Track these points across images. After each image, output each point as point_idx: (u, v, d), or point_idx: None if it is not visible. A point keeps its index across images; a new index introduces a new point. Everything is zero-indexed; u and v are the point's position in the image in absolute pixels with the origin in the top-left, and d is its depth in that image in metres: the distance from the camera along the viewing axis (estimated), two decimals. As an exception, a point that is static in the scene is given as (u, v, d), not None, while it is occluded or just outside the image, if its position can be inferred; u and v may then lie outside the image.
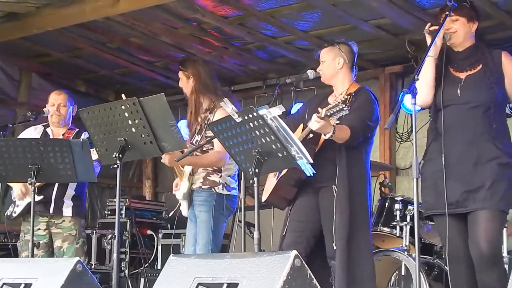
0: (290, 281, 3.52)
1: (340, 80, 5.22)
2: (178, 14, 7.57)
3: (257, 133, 4.22)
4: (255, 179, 4.29)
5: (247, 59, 8.85)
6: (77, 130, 6.39)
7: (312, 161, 4.24)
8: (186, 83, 5.91)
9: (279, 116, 4.10)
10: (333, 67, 5.23)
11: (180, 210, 5.92)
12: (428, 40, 4.71)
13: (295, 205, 5.17)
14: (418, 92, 4.49)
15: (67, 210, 6.24)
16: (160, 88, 9.58)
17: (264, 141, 4.23)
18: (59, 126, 6.42)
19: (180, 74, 5.95)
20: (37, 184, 5.99)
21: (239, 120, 4.25)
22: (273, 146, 4.22)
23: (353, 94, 4.74)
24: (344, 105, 4.53)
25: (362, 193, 5.06)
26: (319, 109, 4.64)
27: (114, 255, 4.89)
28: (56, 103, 6.41)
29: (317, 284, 3.66)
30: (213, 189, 5.70)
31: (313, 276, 3.65)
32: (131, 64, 9.26)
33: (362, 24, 7.49)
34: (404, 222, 6.39)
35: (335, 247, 4.92)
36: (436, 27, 4.66)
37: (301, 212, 5.13)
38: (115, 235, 4.92)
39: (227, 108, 4.29)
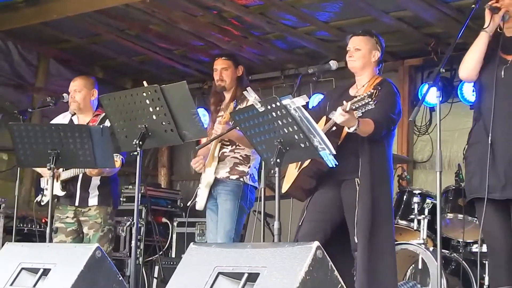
0: (312, 272, 3.50)
1: (367, 72, 5.18)
2: (198, 2, 7.54)
3: (280, 123, 4.19)
4: (277, 169, 4.27)
5: (266, 49, 8.81)
6: (102, 115, 6.32)
7: (335, 152, 4.21)
8: (233, 73, 6.01)
9: (302, 106, 4.08)
10: (368, 59, 5.17)
11: (195, 202, 5.90)
12: (487, 15, 4.64)
13: (315, 196, 5.13)
14: (465, 64, 4.58)
15: (93, 200, 6.23)
16: (178, 76, 9.57)
17: (286, 131, 4.20)
18: (83, 113, 6.36)
19: (228, 63, 6.04)
20: (62, 177, 6.05)
21: (261, 109, 4.22)
22: (296, 137, 4.19)
23: (379, 88, 4.68)
24: (370, 99, 4.50)
25: (385, 186, 5.02)
26: (344, 102, 4.60)
27: (133, 243, 4.88)
28: (72, 90, 6.37)
29: (338, 276, 3.64)
30: (241, 179, 5.79)
31: (334, 268, 3.63)
32: (149, 51, 9.23)
33: (383, 16, 7.44)
34: (422, 216, 6.39)
35: (356, 240, 4.89)
36: (498, 5, 4.60)
37: (320, 204, 5.10)
38: (134, 223, 4.90)
39: (250, 97, 4.27)
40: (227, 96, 6.02)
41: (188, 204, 6.16)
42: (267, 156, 4.43)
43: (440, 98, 4.40)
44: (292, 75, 9.42)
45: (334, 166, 4.38)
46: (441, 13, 7.20)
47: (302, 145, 4.21)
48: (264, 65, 9.43)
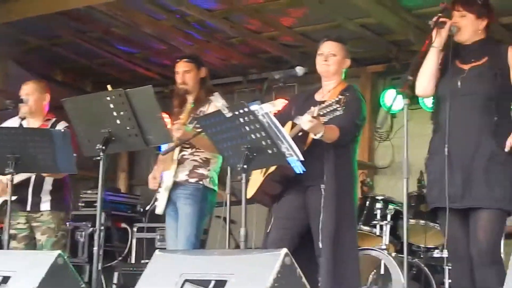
0: (280, 279, 3.47)
1: (336, 79, 5.18)
2: (162, 6, 7.50)
3: (247, 129, 4.16)
4: (243, 175, 4.24)
5: (229, 54, 8.80)
6: (53, 120, 6.22)
7: (302, 159, 4.19)
8: (195, 76, 5.89)
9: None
10: (341, 66, 5.17)
11: (155, 206, 5.83)
12: (434, 31, 4.62)
13: (281, 203, 5.11)
14: (419, 81, 4.60)
15: (45, 205, 6.11)
16: (140, 80, 9.51)
17: (254, 137, 4.17)
18: (34, 117, 6.22)
19: (190, 66, 5.91)
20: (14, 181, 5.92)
21: (229, 115, 4.19)
22: (263, 143, 4.16)
23: (347, 94, 4.66)
24: (338, 105, 4.47)
25: (350, 193, 5.02)
26: (312, 107, 4.59)
27: (95, 249, 4.81)
28: (23, 94, 6.24)
29: (306, 283, 3.62)
30: (201, 182, 5.67)
31: (302, 275, 3.61)
32: (110, 54, 9.17)
33: (347, 23, 7.46)
34: (385, 221, 6.41)
35: (321, 246, 4.88)
36: (445, 19, 4.60)
37: (287, 210, 5.07)
38: (96, 228, 4.83)
39: (217, 103, 4.24)
40: (190, 98, 5.92)
41: (147, 209, 6.08)
42: (234, 162, 4.39)
43: (409, 104, 4.37)
44: (255, 80, 9.42)
45: (302, 172, 4.37)
46: (404, 20, 7.24)
47: (270, 151, 4.18)
48: (226, 69, 9.41)
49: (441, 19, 4.61)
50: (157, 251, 4.01)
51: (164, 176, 5.78)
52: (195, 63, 5.94)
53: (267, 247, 5.00)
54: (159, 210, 5.79)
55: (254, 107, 4.06)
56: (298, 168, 4.29)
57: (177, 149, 5.71)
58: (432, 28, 4.60)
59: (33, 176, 6.03)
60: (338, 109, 4.49)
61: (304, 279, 3.61)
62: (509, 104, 4.68)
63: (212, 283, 3.63)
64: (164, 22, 7.97)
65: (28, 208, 6.10)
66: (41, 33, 8.61)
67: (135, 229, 8.98)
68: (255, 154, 4.22)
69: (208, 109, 5.68)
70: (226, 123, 4.26)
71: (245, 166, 4.22)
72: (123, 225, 9.25)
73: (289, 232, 5.04)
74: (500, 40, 5.16)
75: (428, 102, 8.06)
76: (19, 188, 6.02)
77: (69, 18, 7.98)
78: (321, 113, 4.53)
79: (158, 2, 7.39)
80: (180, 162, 5.74)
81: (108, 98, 4.77)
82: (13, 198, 5.91)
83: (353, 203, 5.06)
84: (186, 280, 3.73)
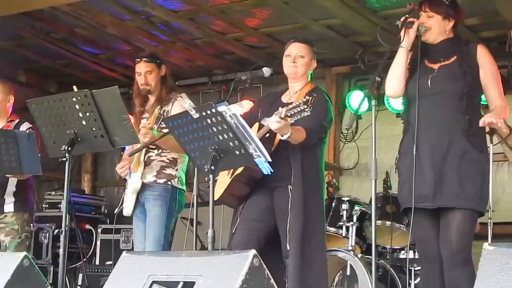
0: (249, 281, 3.45)
1: (303, 80, 5.18)
2: (127, 7, 7.45)
3: (214, 130, 4.15)
4: (211, 176, 4.23)
5: (194, 55, 8.76)
6: (16, 121, 6.16)
7: (270, 160, 4.19)
8: (156, 74, 5.83)
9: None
10: (308, 67, 5.19)
11: (122, 209, 5.79)
12: (402, 31, 4.64)
13: (247, 204, 5.10)
14: (389, 82, 4.59)
15: (9, 207, 6.05)
16: (104, 81, 9.44)
17: (221, 138, 4.16)
18: None
19: (151, 66, 5.83)
20: None
21: (196, 116, 4.18)
22: (231, 144, 4.16)
23: (314, 95, 4.66)
24: (305, 106, 4.46)
25: (317, 194, 5.02)
26: (279, 108, 4.58)
27: (61, 250, 4.77)
28: None
29: (274, 284, 3.61)
30: (169, 183, 5.64)
31: (270, 276, 3.60)
32: (74, 55, 9.08)
33: (312, 24, 7.47)
34: (351, 223, 6.43)
35: (288, 247, 4.87)
36: (412, 19, 4.61)
37: (253, 211, 5.07)
38: (62, 230, 4.80)
39: (184, 104, 4.23)
40: (152, 97, 5.87)
41: (115, 212, 6.03)
42: (201, 163, 4.38)
43: (376, 105, 4.38)
44: (220, 81, 9.41)
45: (270, 173, 4.37)
46: (370, 22, 7.27)
47: (237, 152, 4.18)
48: (191, 70, 9.39)
49: (409, 19, 4.63)
50: (124, 253, 3.97)
51: (131, 178, 5.73)
52: (156, 62, 5.86)
53: (232, 248, 4.99)
54: (126, 212, 5.74)
55: (221, 108, 4.05)
56: (266, 169, 4.28)
57: (143, 151, 5.67)
58: (400, 28, 4.60)
59: None
60: (306, 109, 4.49)
61: (272, 281, 3.60)
62: (478, 102, 4.71)
63: (180, 284, 3.61)
64: (129, 23, 7.92)
65: None
66: (4, 34, 8.50)
67: (99, 231, 8.95)
68: (222, 155, 4.22)
69: (172, 108, 5.65)
70: (193, 124, 4.25)
71: (212, 167, 4.21)
72: (88, 226, 9.21)
73: (254, 233, 5.03)
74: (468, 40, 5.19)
75: (394, 104, 8.13)
76: None
77: (32, 19, 7.89)
78: (289, 114, 4.53)
79: (123, 3, 7.33)
80: (147, 163, 5.70)
81: (74, 99, 4.74)
82: None
83: (321, 204, 5.08)
84: (153, 282, 3.70)
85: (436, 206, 4.56)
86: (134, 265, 3.87)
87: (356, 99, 8.21)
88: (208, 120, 4.14)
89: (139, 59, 5.89)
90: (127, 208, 5.72)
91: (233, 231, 5.07)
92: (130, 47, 8.69)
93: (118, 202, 10.54)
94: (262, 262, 3.56)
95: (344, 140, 8.80)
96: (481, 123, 4.43)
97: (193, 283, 3.56)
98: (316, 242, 4.96)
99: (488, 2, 6.61)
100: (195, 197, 4.86)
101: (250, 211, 5.09)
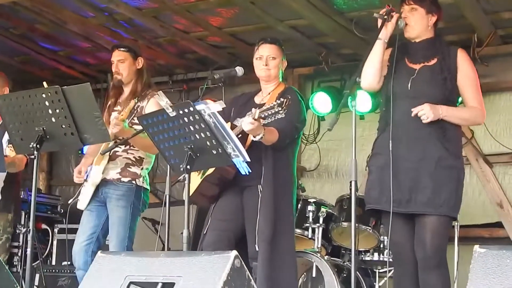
0: (230, 282, 3.42)
1: (275, 81, 5.14)
2: (90, 3, 7.33)
3: (191, 128, 4.11)
4: (186, 176, 4.17)
5: (156, 53, 8.66)
6: None
7: (249, 159, 4.15)
8: (131, 66, 5.73)
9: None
10: (280, 68, 5.15)
11: (77, 201, 5.64)
12: (379, 23, 4.62)
13: (218, 204, 5.05)
14: (365, 74, 4.56)
15: None
16: (62, 79, 9.30)
17: (198, 137, 4.12)
18: None
19: (125, 55, 5.74)
20: None
21: (173, 114, 4.12)
22: (208, 143, 4.11)
23: (289, 96, 4.60)
24: (280, 108, 4.39)
25: (288, 195, 5.00)
26: (253, 109, 4.53)
27: (28, 250, 4.68)
28: None
29: (255, 285, 3.58)
30: (133, 182, 5.51)
31: (251, 277, 3.57)
32: (33, 51, 8.90)
33: (277, 24, 7.43)
34: (317, 224, 6.40)
35: (257, 249, 4.82)
36: (392, 13, 4.60)
37: (223, 211, 5.02)
38: (29, 229, 4.70)
39: (161, 101, 4.15)
40: (126, 90, 5.77)
41: (69, 202, 5.80)
42: (175, 162, 4.33)
43: (355, 107, 4.35)
44: (181, 80, 9.33)
45: (247, 173, 4.33)
46: (336, 23, 7.25)
47: (214, 152, 4.13)
48: (152, 69, 9.24)
49: (392, 13, 4.61)
50: (99, 253, 3.90)
51: (92, 171, 5.59)
52: (131, 52, 5.77)
53: (203, 249, 4.93)
54: (81, 205, 5.59)
55: (200, 106, 4.00)
56: (244, 169, 4.24)
57: (110, 144, 5.51)
58: (383, 20, 4.58)
59: None
60: (280, 112, 4.42)
61: (253, 282, 3.57)
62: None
63: (159, 285, 3.56)
64: (91, 20, 7.78)
65: None
66: (-39, 28, 8.33)
67: (56, 230, 8.79)
68: (198, 154, 4.17)
69: (147, 105, 5.55)
70: (169, 123, 4.20)
71: (188, 167, 4.16)
72: (44, 226, 9.04)
73: (225, 233, 4.98)
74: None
75: (357, 106, 8.12)
76: None
77: (-9, 14, 7.73)
78: (262, 116, 4.46)
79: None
80: (112, 158, 5.57)
81: (44, 95, 4.65)
82: None
83: (291, 205, 5.05)
84: (131, 283, 3.64)
85: (412, 212, 4.56)
86: (110, 265, 3.81)
87: (320, 100, 8.18)
88: (185, 119, 4.09)
89: (114, 48, 5.82)
90: (82, 201, 5.58)
91: (205, 232, 5.02)
92: (90, 45, 8.57)
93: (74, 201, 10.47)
94: (243, 263, 3.53)
95: (306, 142, 8.78)
96: (413, 114, 4.47)
97: (173, 284, 3.51)
98: (285, 244, 4.93)
99: (452, 6, 6.64)
100: (167, 196, 4.76)
101: (221, 212, 5.04)
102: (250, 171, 4.39)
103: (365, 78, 4.66)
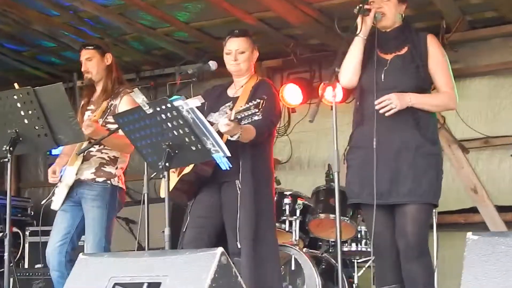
0: (218, 280, 3.37)
1: (247, 74, 5.08)
2: (55, 2, 7.23)
3: (169, 125, 4.05)
4: (165, 173, 4.11)
5: (122, 51, 8.56)
6: None
7: (229, 154, 4.09)
8: (99, 63, 5.66)
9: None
10: (251, 60, 5.09)
11: (51, 201, 5.55)
12: (359, 19, 4.57)
13: (196, 201, 4.99)
14: (344, 72, 4.51)
15: None
16: (26, 80, 9.16)
17: (176, 134, 4.06)
18: None
19: (93, 53, 5.67)
20: None
21: (149, 111, 4.06)
22: (187, 139, 4.06)
23: (264, 97, 4.52)
24: (257, 110, 4.31)
25: (267, 189, 4.94)
26: (228, 111, 4.47)
27: (6, 255, 4.60)
28: None
29: (242, 282, 3.53)
30: (108, 182, 5.44)
31: (238, 274, 3.52)
32: (-4, 53, 8.79)
33: (245, 17, 7.38)
34: (294, 217, 6.36)
35: (239, 246, 4.76)
36: (368, 6, 4.56)
37: (202, 208, 4.96)
38: (6, 233, 4.62)
39: (137, 99, 4.09)
40: (98, 88, 5.68)
41: (42, 203, 5.70)
42: (153, 160, 4.28)
43: (335, 97, 4.30)
44: (148, 77, 9.24)
45: (228, 168, 4.27)
46: (304, 14, 7.22)
47: (193, 148, 4.08)
48: (119, 66, 9.15)
49: (366, 6, 4.58)
50: (80, 255, 3.83)
51: (65, 171, 5.50)
52: (97, 49, 5.69)
53: (183, 247, 4.87)
54: (55, 206, 5.50)
55: (178, 102, 3.94)
56: (225, 165, 4.19)
57: (84, 144, 5.43)
58: (357, 16, 4.55)
59: None
60: (257, 113, 4.33)
61: (240, 278, 3.52)
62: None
63: (145, 285, 3.49)
64: (56, 18, 7.69)
65: None
66: None
67: (27, 233, 8.67)
68: (177, 151, 4.12)
69: (120, 103, 5.48)
70: (145, 120, 4.15)
71: (166, 164, 4.10)
72: (14, 229, 8.90)
73: (205, 230, 4.92)
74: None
75: (328, 96, 8.07)
76: None
77: (-47, 15, 7.59)
78: (239, 117, 4.37)
79: (51, -2, 7.13)
80: (86, 158, 5.48)
81: (15, 97, 4.60)
82: None
83: (271, 199, 5.00)
84: (116, 284, 3.57)
85: (391, 203, 4.54)
86: (94, 267, 3.75)
87: (290, 92, 8.15)
88: (163, 116, 4.03)
89: (82, 47, 5.76)
90: (56, 201, 5.49)
91: (184, 230, 4.95)
92: (55, 44, 8.45)
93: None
94: (229, 260, 3.48)
95: (277, 134, 8.71)
96: (377, 107, 4.46)
97: (159, 283, 3.45)
98: (268, 239, 4.88)
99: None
100: (145, 195, 4.69)
101: (199, 208, 4.98)
102: (231, 166, 4.32)
103: (345, 74, 4.62)
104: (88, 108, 5.62)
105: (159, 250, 4.31)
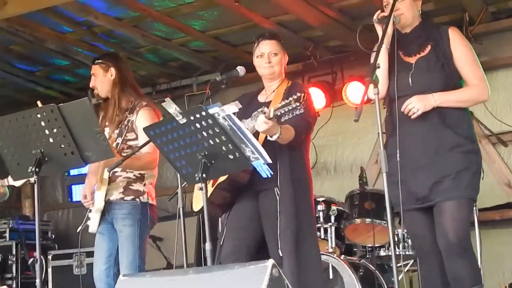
0: (271, 293, 3.17)
1: (280, 77, 4.91)
2: (68, 18, 7.07)
3: (205, 134, 3.85)
4: (203, 185, 3.91)
5: (137, 64, 8.38)
6: None
7: (270, 161, 3.89)
8: (103, 78, 5.44)
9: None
10: (283, 63, 4.92)
11: (87, 226, 5.39)
12: (379, 29, 4.44)
13: (233, 212, 4.78)
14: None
15: None
16: (40, 100, 8.92)
17: (212, 143, 3.86)
18: None
19: (96, 68, 5.47)
20: None
21: (183, 121, 3.86)
22: (223, 148, 3.86)
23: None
24: (298, 103, 4.11)
25: (306, 194, 4.75)
26: (266, 108, 4.26)
27: (37, 281, 4.42)
28: None
29: (295, 294, 3.33)
30: (137, 200, 5.25)
31: (289, 286, 3.32)
32: (8, 74, 8.57)
33: (263, 22, 7.19)
34: (329, 224, 6.16)
35: (281, 254, 4.56)
36: (386, 14, 4.39)
37: (239, 219, 4.75)
38: (37, 259, 4.44)
39: (170, 109, 3.88)
40: (111, 107, 5.43)
41: (78, 230, 5.56)
42: (188, 172, 4.08)
43: (378, 95, 4.08)
44: (164, 90, 9.05)
45: (270, 176, 4.07)
46: (323, 14, 7.03)
47: (231, 157, 3.88)
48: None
49: (381, 14, 4.43)
50: (121, 276, 3.63)
51: (95, 197, 5.35)
52: (101, 64, 5.47)
53: (222, 261, 4.66)
54: (92, 229, 5.34)
55: (213, 110, 3.74)
56: (265, 172, 3.98)
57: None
58: (378, 25, 4.43)
59: None
60: (299, 107, 4.13)
61: (292, 291, 3.32)
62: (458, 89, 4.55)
63: (195, 305, 3.30)
64: (70, 35, 7.52)
65: None
66: None
67: (50, 257, 8.49)
68: (213, 161, 3.92)
69: (137, 118, 5.28)
70: (178, 131, 3.95)
71: (203, 175, 3.90)
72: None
73: (244, 242, 4.72)
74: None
75: (352, 97, 7.88)
76: None
77: (-36, 36, 7.42)
78: (278, 113, 4.19)
79: (64, 14, 6.93)
80: (112, 180, 5.31)
81: (39, 116, 4.42)
82: None
83: (311, 204, 4.82)
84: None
85: (433, 204, 4.39)
86: (136, 289, 3.54)
87: (312, 96, 7.94)
88: (197, 125, 3.84)
89: (92, 62, 5.59)
90: (92, 225, 5.33)
91: (221, 243, 4.74)
92: (69, 61, 8.28)
93: (63, 225, 10.17)
94: (281, 272, 3.28)
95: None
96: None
97: (209, 302, 3.25)
98: (310, 245, 4.69)
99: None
100: (180, 209, 4.49)
101: (236, 220, 4.78)
102: (272, 173, 4.11)
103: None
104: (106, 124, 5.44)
105: (202, 266, 4.10)
